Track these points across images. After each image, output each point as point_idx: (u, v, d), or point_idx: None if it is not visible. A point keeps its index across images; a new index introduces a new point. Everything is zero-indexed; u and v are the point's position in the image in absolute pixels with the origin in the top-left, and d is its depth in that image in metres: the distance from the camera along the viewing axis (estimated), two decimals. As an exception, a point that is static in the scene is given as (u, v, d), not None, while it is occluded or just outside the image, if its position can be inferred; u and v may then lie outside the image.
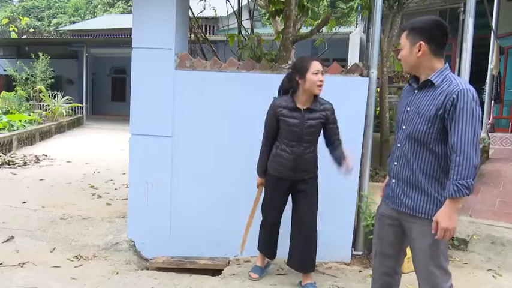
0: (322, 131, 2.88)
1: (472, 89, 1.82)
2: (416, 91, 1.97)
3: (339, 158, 2.79)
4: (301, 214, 2.92)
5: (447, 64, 1.94)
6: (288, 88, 2.86)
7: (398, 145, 2.02)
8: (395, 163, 2.03)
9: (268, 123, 2.90)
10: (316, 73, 2.72)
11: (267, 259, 3.21)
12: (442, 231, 1.77)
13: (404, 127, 1.98)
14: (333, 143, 2.87)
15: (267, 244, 3.12)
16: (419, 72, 1.96)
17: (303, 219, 2.92)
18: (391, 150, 2.14)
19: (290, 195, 3.01)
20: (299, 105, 2.79)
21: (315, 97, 2.81)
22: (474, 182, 1.75)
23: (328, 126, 2.86)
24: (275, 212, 3.02)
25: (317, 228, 2.97)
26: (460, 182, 1.73)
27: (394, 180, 2.04)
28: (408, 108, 1.98)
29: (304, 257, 2.95)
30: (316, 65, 2.73)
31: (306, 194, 2.92)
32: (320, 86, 2.74)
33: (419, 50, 1.89)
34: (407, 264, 3.28)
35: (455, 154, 1.77)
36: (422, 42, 1.88)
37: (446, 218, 1.77)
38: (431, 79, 1.89)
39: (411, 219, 1.96)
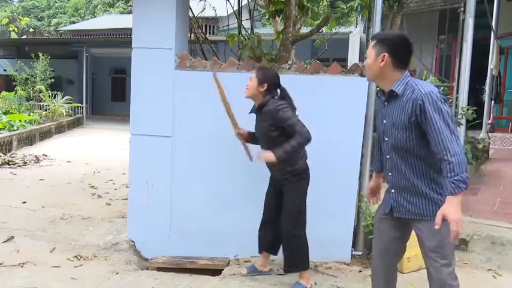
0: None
1: (435, 89, 1.88)
2: (386, 103, 2.04)
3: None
4: (281, 215, 2.95)
5: (407, 71, 1.99)
6: None
7: (388, 156, 2.07)
8: (390, 174, 2.08)
9: None
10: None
11: (270, 267, 3.22)
12: (454, 223, 1.78)
13: (387, 139, 2.05)
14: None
15: (259, 236, 3.14)
16: (382, 81, 2.03)
17: (281, 221, 2.94)
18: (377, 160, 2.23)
19: None
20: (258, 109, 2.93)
21: (267, 101, 2.83)
22: (467, 174, 1.78)
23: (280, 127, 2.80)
24: (266, 208, 3.09)
25: (299, 230, 2.92)
26: (455, 178, 1.77)
27: (393, 190, 2.07)
28: (384, 121, 2.06)
29: (285, 257, 2.97)
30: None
31: (285, 196, 2.93)
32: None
33: (382, 61, 1.95)
34: (407, 264, 3.28)
35: (441, 154, 1.80)
36: (386, 54, 1.94)
37: (453, 210, 1.79)
38: (394, 89, 1.96)
39: (418, 222, 2.00)
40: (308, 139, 2.70)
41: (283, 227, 2.93)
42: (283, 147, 2.69)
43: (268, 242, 3.11)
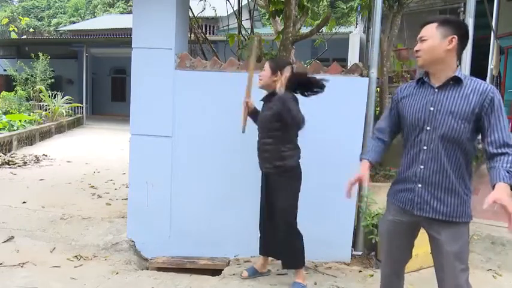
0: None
1: None
2: (437, 90, 1.91)
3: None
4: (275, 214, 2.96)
5: None
6: None
7: (425, 148, 1.92)
8: (422, 167, 1.93)
9: None
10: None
11: (268, 268, 3.22)
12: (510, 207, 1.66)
13: (429, 128, 1.90)
14: None
15: (260, 239, 3.14)
16: (437, 68, 1.90)
17: (275, 219, 2.95)
18: (407, 154, 2.02)
19: None
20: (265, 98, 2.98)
21: (273, 92, 2.85)
22: None
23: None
24: (261, 202, 3.09)
25: (292, 228, 2.90)
26: (510, 169, 1.73)
27: (420, 185, 1.94)
28: (431, 108, 1.90)
29: (280, 255, 2.99)
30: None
31: (273, 193, 2.93)
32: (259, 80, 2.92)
33: (449, 43, 1.84)
34: (407, 264, 3.28)
35: (502, 149, 1.77)
36: (455, 36, 1.85)
37: (508, 198, 1.68)
38: (459, 75, 1.87)
39: (441, 224, 1.91)
40: (298, 118, 2.67)
41: (277, 227, 2.93)
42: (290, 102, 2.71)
43: (269, 243, 3.10)
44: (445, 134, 1.87)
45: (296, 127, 2.74)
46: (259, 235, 3.14)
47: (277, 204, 2.90)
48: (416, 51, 1.94)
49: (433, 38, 1.87)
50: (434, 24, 1.88)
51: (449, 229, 1.90)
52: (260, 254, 3.18)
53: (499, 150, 1.78)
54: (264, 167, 2.97)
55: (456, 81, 1.87)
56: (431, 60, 1.90)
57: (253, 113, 3.06)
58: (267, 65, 2.92)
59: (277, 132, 2.83)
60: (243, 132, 2.99)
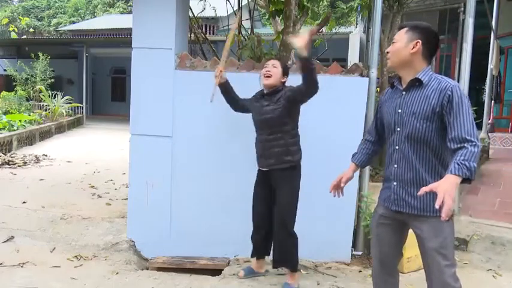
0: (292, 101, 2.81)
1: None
2: (404, 92, 2.01)
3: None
4: (274, 213, 2.95)
5: (430, 65, 2.01)
6: None
7: (397, 147, 2.03)
8: (395, 165, 2.03)
9: None
10: (265, 66, 2.92)
11: (266, 268, 3.21)
12: (444, 194, 1.66)
13: (399, 129, 2.01)
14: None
15: (253, 241, 3.11)
16: (406, 69, 2.00)
17: (275, 217, 2.94)
18: (387, 154, 2.13)
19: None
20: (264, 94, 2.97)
21: (277, 89, 2.88)
22: (475, 168, 1.75)
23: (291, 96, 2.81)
24: (257, 202, 3.06)
25: (292, 227, 2.90)
26: (462, 162, 1.73)
27: (395, 183, 2.04)
28: (399, 110, 2.01)
29: (275, 253, 2.96)
30: (266, 61, 3.00)
31: (278, 191, 2.92)
32: (266, 75, 2.88)
33: (413, 47, 1.94)
34: (407, 264, 3.28)
35: (460, 144, 1.79)
36: (419, 41, 1.94)
37: (446, 185, 1.69)
38: (420, 77, 1.95)
39: (419, 219, 1.97)
40: (317, 87, 2.70)
41: (277, 224, 2.91)
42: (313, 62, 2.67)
43: (263, 246, 3.10)
44: (409, 134, 1.96)
45: (316, 86, 2.69)
46: (252, 236, 3.11)
47: (281, 201, 2.89)
48: (387, 52, 2.07)
49: (400, 41, 1.98)
50: (405, 29, 2.00)
51: (428, 225, 1.94)
52: (252, 256, 3.17)
53: (458, 146, 1.80)
54: (267, 164, 2.92)
55: (419, 82, 1.95)
56: (398, 62, 2.00)
57: (222, 85, 3.07)
58: (278, 64, 2.92)
59: (286, 126, 2.85)
60: (211, 101, 3.04)
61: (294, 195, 2.91)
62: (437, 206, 1.67)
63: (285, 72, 2.94)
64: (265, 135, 2.90)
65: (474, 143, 1.77)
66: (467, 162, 1.73)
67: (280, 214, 2.90)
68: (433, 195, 1.88)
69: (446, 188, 1.68)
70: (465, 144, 1.77)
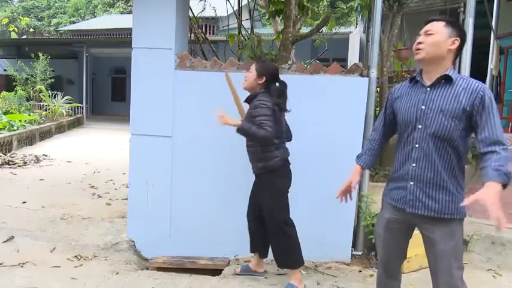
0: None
1: None
2: (428, 89, 1.93)
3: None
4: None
5: None
6: None
7: (417, 145, 1.94)
8: (414, 165, 1.95)
9: None
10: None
11: (264, 268, 3.22)
12: (493, 206, 1.67)
13: (420, 126, 1.93)
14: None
15: (250, 236, 3.15)
16: (434, 65, 1.92)
17: (257, 216, 3.00)
18: (400, 153, 2.05)
19: None
20: None
21: (257, 95, 2.83)
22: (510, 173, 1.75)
23: None
24: (249, 209, 3.11)
25: (281, 227, 2.88)
26: (499, 167, 1.72)
27: (412, 183, 1.96)
28: (423, 107, 1.92)
29: (273, 256, 2.97)
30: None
31: (257, 191, 2.98)
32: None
33: (452, 44, 1.88)
34: (407, 264, 3.28)
35: (492, 146, 1.78)
36: (458, 39, 1.89)
37: (492, 195, 1.69)
38: (449, 74, 1.89)
39: (433, 221, 1.92)
40: (265, 138, 2.66)
41: (267, 225, 2.93)
42: (249, 125, 2.68)
43: (258, 242, 3.12)
44: (435, 132, 1.89)
45: (262, 140, 2.69)
46: (248, 229, 3.15)
47: (263, 203, 2.90)
48: (419, 43, 1.93)
49: (440, 34, 1.89)
50: (442, 23, 1.91)
51: (442, 227, 1.91)
52: (252, 251, 3.19)
53: (489, 149, 1.79)
54: (252, 167, 2.98)
55: (447, 80, 1.90)
56: (433, 55, 1.90)
57: None
58: (253, 67, 2.87)
59: None
60: None
61: (276, 198, 2.87)
62: (495, 222, 1.67)
63: (261, 74, 2.81)
64: (246, 141, 2.93)
65: (505, 147, 1.77)
66: (503, 168, 1.72)
67: (265, 216, 2.92)
68: (451, 196, 1.89)
69: (493, 200, 1.68)
70: (497, 148, 1.77)
